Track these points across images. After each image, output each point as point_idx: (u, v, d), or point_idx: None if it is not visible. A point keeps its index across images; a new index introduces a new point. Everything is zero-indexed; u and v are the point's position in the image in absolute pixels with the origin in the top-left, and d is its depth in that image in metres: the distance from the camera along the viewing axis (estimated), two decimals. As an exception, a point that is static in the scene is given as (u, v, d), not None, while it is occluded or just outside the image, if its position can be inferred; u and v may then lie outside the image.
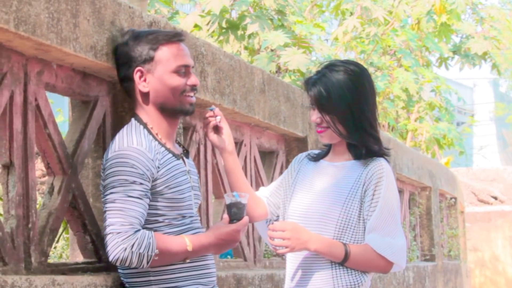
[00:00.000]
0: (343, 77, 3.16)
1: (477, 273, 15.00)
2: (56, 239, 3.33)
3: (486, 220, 15.05)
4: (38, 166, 6.07)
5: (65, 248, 4.83)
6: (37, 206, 3.03)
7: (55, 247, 4.80)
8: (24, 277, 2.65)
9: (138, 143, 2.93)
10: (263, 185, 4.89)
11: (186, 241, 2.94)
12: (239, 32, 8.25)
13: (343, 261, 3.09)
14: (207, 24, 8.22)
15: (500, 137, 35.86)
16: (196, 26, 8.20)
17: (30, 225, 2.92)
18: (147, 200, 2.91)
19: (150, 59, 3.03)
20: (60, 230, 4.63)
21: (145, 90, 3.04)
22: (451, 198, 11.11)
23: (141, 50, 3.04)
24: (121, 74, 3.12)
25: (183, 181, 3.03)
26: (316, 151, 3.39)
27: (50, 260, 3.38)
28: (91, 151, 3.41)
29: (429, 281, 9.00)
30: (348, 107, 3.14)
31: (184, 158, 3.13)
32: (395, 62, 12.22)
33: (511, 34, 13.34)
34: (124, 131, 3.02)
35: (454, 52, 13.13)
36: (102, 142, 3.42)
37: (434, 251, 9.44)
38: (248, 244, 4.71)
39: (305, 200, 3.21)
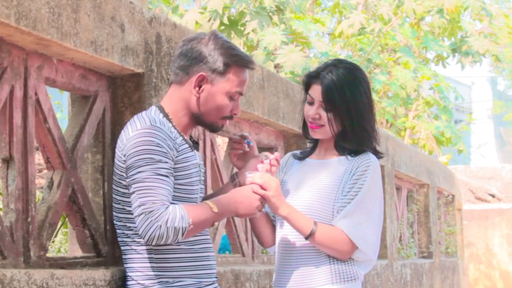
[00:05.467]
0: (347, 76, 3.16)
1: (471, 268, 15.04)
2: (54, 233, 3.34)
3: (483, 218, 15.07)
4: (37, 161, 6.08)
5: (64, 242, 4.84)
6: (36, 200, 3.03)
7: (53, 241, 4.80)
8: (23, 271, 2.66)
9: (161, 123, 2.93)
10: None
11: (210, 204, 2.94)
12: (239, 28, 8.26)
13: (309, 236, 3.10)
14: (208, 20, 8.23)
15: (498, 135, 35.90)
16: (196, 23, 8.20)
17: (29, 219, 2.93)
18: (172, 179, 2.91)
19: (219, 73, 3.01)
20: (59, 224, 4.64)
21: (196, 96, 3.02)
22: (448, 196, 11.13)
23: (217, 58, 3.00)
24: (179, 63, 3.04)
25: (194, 173, 3.04)
26: (298, 151, 3.40)
27: (49, 254, 3.39)
28: (91, 146, 3.42)
29: (426, 278, 9.02)
30: (347, 106, 3.14)
31: (195, 150, 3.13)
32: (393, 59, 12.22)
33: (510, 31, 13.32)
34: (143, 113, 3.00)
35: (454, 51, 13.12)
36: (102, 137, 3.43)
37: (431, 248, 9.45)
38: (246, 240, 4.73)
39: (300, 199, 3.21)
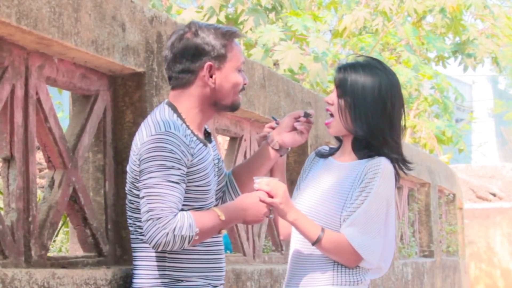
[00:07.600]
0: (367, 69, 3.14)
1: (473, 267, 15.05)
2: (56, 232, 3.34)
3: (484, 217, 15.07)
4: (38, 160, 6.08)
5: (64, 241, 4.84)
6: (37, 199, 3.03)
7: (54, 241, 4.81)
8: (24, 270, 2.66)
9: (175, 128, 2.92)
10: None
11: (217, 212, 2.95)
12: (237, 26, 8.27)
13: (315, 242, 3.09)
14: (206, 18, 8.23)
15: (498, 134, 35.88)
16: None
17: (30, 219, 2.93)
18: (184, 185, 2.91)
19: (223, 56, 3.02)
20: (60, 223, 4.64)
21: (212, 86, 3.02)
22: (449, 194, 11.12)
23: (214, 44, 3.01)
24: (178, 67, 3.02)
25: (211, 170, 3.04)
26: (327, 147, 3.37)
27: (50, 254, 3.39)
28: (92, 145, 3.42)
29: (428, 277, 9.02)
30: (357, 93, 3.12)
31: (207, 143, 3.12)
32: (394, 58, 12.21)
33: (511, 31, 13.31)
34: (157, 115, 2.98)
35: (456, 52, 13.11)
36: (103, 137, 3.43)
37: (432, 247, 9.45)
38: (248, 239, 4.72)
39: (309, 198, 3.19)
